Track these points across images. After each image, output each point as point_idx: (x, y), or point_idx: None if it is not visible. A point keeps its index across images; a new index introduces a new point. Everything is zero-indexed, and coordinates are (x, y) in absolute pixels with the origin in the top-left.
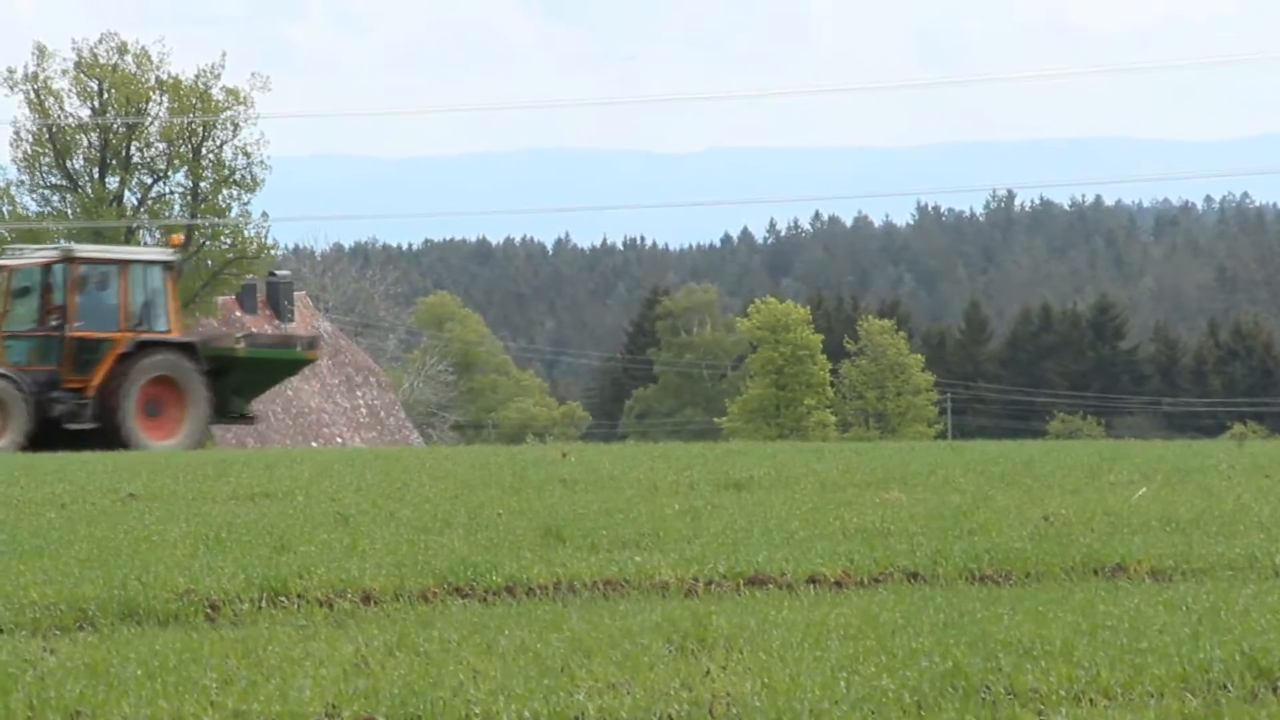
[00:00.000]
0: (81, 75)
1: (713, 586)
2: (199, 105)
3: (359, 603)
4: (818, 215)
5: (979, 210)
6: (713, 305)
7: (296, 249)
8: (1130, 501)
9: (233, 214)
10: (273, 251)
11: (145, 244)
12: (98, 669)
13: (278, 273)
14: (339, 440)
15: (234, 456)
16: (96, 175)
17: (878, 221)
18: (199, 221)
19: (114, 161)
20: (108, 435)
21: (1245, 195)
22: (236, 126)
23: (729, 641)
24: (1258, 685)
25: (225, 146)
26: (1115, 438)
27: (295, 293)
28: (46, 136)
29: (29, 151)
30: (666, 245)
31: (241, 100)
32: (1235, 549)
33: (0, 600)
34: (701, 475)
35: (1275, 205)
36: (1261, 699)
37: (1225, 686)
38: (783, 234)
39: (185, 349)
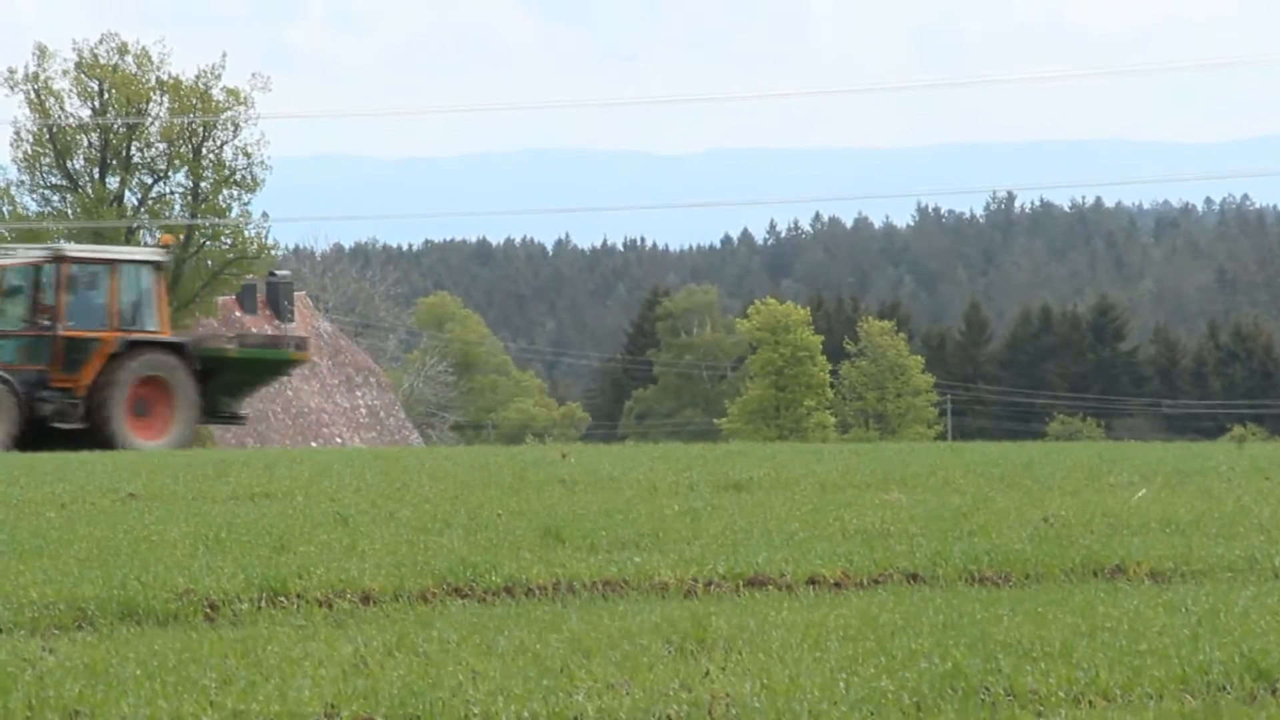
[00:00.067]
0: (82, 75)
1: (712, 587)
2: (199, 106)
3: (358, 603)
4: (818, 216)
5: (979, 212)
6: (713, 306)
7: (297, 249)
8: (1130, 503)
9: (233, 214)
10: (273, 252)
11: (146, 244)
12: (97, 669)
13: (278, 273)
14: (339, 440)
15: (234, 456)
16: (97, 175)
17: (878, 223)
18: (199, 222)
19: (114, 162)
20: (96, 435)
21: (1245, 197)
22: (237, 127)
23: (728, 642)
24: (1257, 687)
25: (225, 147)
26: (1115, 439)
27: (295, 293)
28: (47, 137)
29: (29, 151)
30: (666, 246)
31: (242, 101)
32: (1235, 551)
33: (0, 599)
34: (701, 476)
35: (1275, 207)
36: (1261, 701)
37: (1224, 688)
38: (783, 235)
39: (175, 349)
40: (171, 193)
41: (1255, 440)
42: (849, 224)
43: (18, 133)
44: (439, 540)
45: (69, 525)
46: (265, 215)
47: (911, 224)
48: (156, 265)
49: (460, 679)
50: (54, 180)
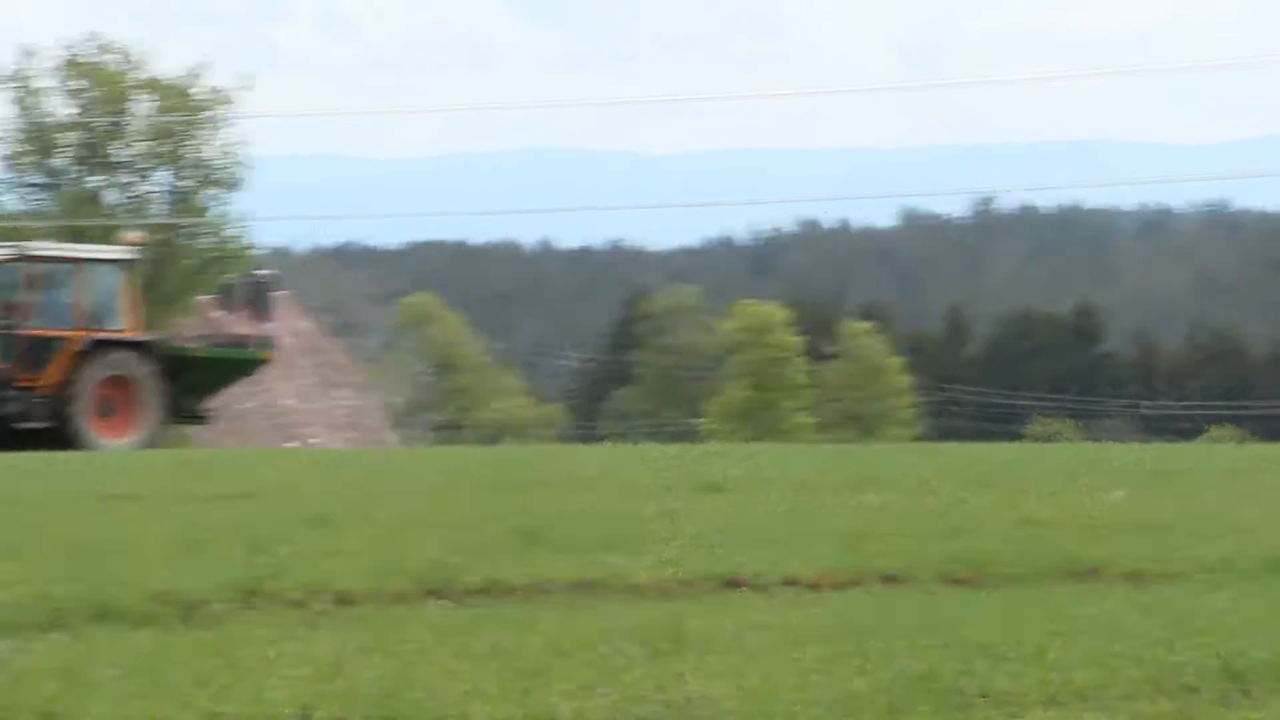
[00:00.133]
0: (64, 74)
1: (688, 589)
2: (182, 104)
3: (334, 604)
4: (800, 217)
5: (960, 213)
6: (694, 307)
7: (278, 249)
8: (1107, 504)
9: (214, 213)
10: (254, 251)
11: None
12: (71, 669)
13: (259, 272)
14: (316, 441)
15: (211, 457)
16: (79, 174)
17: (859, 224)
18: (180, 220)
19: (96, 160)
20: (61, 434)
21: (1225, 199)
22: (219, 126)
23: (704, 644)
24: (1231, 688)
25: (207, 146)
26: (1093, 441)
27: (276, 293)
28: (29, 135)
29: (11, 150)
30: (648, 247)
31: (225, 100)
32: (1210, 552)
33: None
34: (679, 477)
35: (1255, 210)
36: (1234, 702)
37: (1198, 690)
38: (764, 236)
39: (140, 348)
40: (153, 192)
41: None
42: (831, 225)
43: (0, 131)
44: (416, 541)
45: (44, 525)
46: (247, 215)
47: (893, 225)
48: (123, 264)
49: (436, 680)
50: (36, 179)
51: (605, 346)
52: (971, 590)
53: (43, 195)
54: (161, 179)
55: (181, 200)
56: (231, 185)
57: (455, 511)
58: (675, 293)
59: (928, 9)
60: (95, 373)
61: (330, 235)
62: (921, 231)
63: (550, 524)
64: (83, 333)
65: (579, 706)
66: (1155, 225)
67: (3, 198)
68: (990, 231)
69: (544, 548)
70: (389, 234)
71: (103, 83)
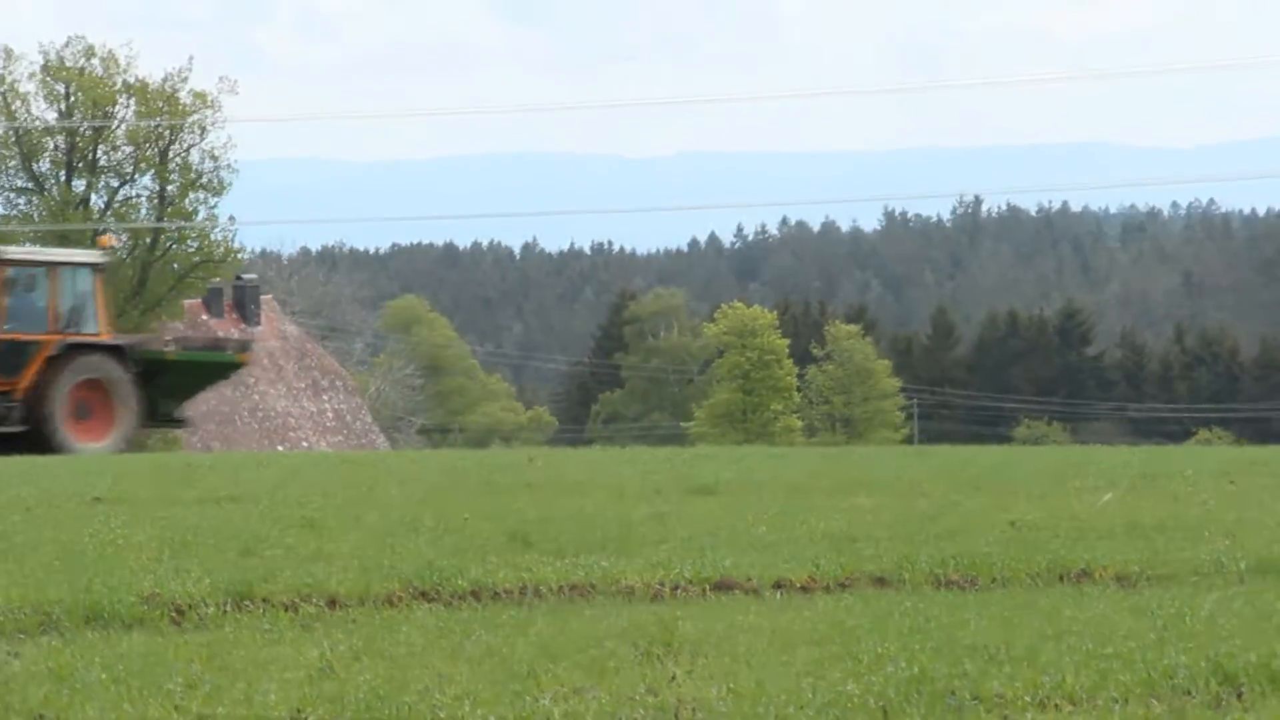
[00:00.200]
0: (48, 78)
1: (679, 591)
2: (166, 109)
3: (325, 607)
4: (785, 220)
5: (946, 216)
6: (680, 310)
7: (263, 253)
8: (1096, 507)
9: (199, 217)
10: (239, 255)
11: (115, 248)
12: (62, 673)
13: (244, 276)
14: (305, 444)
15: (200, 460)
16: (63, 178)
17: (845, 226)
18: (166, 225)
19: (81, 164)
20: (36, 438)
21: (1211, 202)
22: (204, 130)
23: (695, 647)
24: (1222, 691)
25: (192, 150)
26: (1081, 443)
27: (262, 296)
28: (13, 139)
29: None
30: (634, 250)
31: (209, 104)
32: (1200, 555)
33: None
34: (668, 480)
35: (1241, 212)
36: (1226, 705)
37: (1190, 692)
38: (750, 239)
39: (115, 352)
40: (138, 196)
41: (1220, 443)
42: (816, 228)
43: None
44: (406, 544)
45: (35, 529)
46: (232, 219)
47: (879, 228)
48: (96, 267)
49: (427, 683)
50: (20, 183)
51: (592, 349)
52: (962, 593)
53: (27, 200)
54: (146, 183)
55: (167, 205)
56: (216, 189)
57: (445, 515)
58: (662, 295)
59: (899, 13)
60: (70, 376)
61: (309, 239)
62: (908, 234)
63: (540, 527)
64: (57, 336)
65: (570, 709)
66: (1142, 227)
67: None
68: (977, 234)
69: (535, 551)
70: (375, 237)
71: (87, 87)
